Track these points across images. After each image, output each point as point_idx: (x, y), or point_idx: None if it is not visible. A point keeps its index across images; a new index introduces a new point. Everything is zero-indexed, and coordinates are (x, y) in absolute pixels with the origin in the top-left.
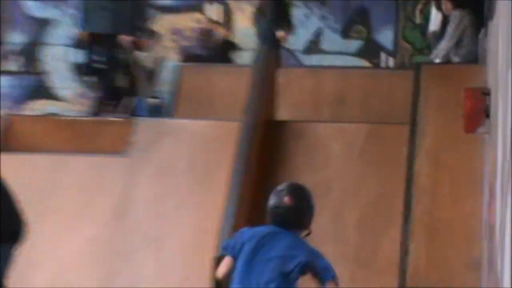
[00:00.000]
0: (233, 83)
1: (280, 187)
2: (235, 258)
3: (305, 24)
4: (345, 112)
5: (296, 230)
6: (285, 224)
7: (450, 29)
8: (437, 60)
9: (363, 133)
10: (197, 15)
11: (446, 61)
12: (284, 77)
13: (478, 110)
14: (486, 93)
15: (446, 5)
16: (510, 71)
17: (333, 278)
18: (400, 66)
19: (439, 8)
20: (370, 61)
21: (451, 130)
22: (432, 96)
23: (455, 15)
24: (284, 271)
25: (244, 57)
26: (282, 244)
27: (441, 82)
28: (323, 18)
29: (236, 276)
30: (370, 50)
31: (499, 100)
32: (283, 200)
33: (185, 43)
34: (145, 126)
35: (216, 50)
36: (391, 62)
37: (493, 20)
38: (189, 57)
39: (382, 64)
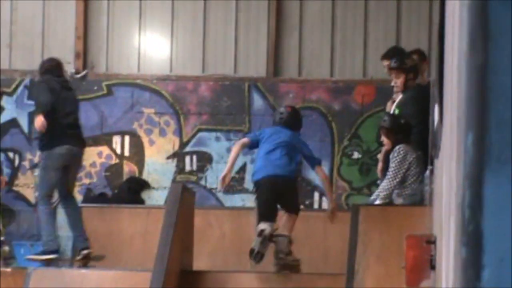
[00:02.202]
0: (143, 227)
1: (280, 108)
2: (251, 142)
3: (226, 159)
4: (272, 261)
5: (293, 131)
6: (286, 124)
7: (392, 165)
8: (378, 202)
9: (293, 285)
10: (101, 148)
11: (388, 202)
12: (202, 219)
13: (422, 262)
14: (431, 241)
15: (386, 140)
16: (452, 218)
17: (320, 163)
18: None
19: (378, 142)
20: (302, 202)
21: (393, 283)
22: (372, 243)
23: (399, 150)
24: (290, 154)
25: (156, 197)
26: (287, 134)
27: (382, 227)
28: (247, 152)
29: (257, 158)
30: (302, 190)
31: (443, 250)
32: (285, 109)
33: (87, 180)
34: (40, 277)
35: (123, 189)
36: (325, 203)
37: (439, 158)
38: (92, 197)
39: (315, 206)
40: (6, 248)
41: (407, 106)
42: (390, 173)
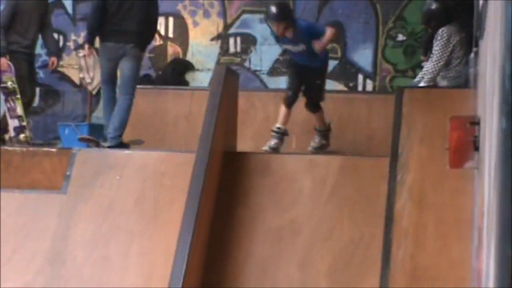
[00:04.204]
0: (187, 109)
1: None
2: None
3: (270, 41)
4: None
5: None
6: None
7: (436, 48)
8: (422, 84)
9: (337, 167)
10: None
11: (433, 85)
12: (246, 102)
13: (466, 143)
14: (475, 122)
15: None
16: (496, 95)
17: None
18: (379, 90)
19: (423, 23)
20: (346, 84)
21: (437, 165)
22: (416, 125)
23: (442, 32)
24: None
25: (200, 79)
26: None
27: (426, 109)
28: None
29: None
30: (346, 72)
31: (487, 131)
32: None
33: None
34: (85, 158)
35: (167, 71)
36: (369, 85)
37: (483, 39)
38: None
39: (359, 88)
40: (22, 135)
41: None
42: (434, 56)
